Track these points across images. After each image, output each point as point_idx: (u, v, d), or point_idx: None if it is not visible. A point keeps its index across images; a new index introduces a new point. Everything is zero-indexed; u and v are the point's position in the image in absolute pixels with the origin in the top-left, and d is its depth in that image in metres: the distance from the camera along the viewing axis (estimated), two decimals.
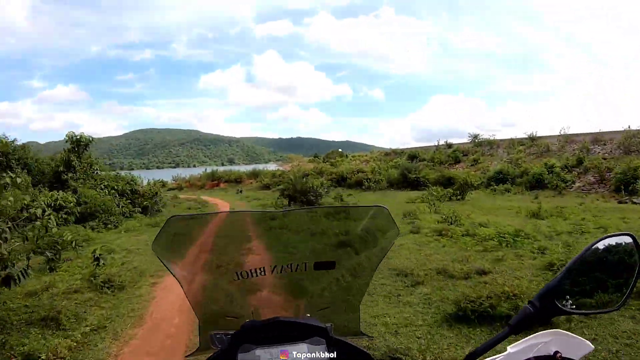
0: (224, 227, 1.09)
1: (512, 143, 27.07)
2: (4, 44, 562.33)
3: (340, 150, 45.12)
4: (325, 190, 15.99)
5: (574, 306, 0.82)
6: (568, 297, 0.81)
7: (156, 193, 15.56)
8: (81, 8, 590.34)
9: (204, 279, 1.02)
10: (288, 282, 1.00)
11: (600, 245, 0.83)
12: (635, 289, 0.83)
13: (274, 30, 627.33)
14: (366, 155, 39.08)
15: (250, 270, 0.96)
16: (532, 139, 26.13)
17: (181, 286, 0.94)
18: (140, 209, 14.00)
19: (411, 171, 23.76)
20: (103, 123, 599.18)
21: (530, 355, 0.78)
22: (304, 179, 15.63)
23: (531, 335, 0.79)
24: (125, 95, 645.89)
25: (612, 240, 0.84)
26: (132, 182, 15.24)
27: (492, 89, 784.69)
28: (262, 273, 0.96)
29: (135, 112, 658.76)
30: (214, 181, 35.21)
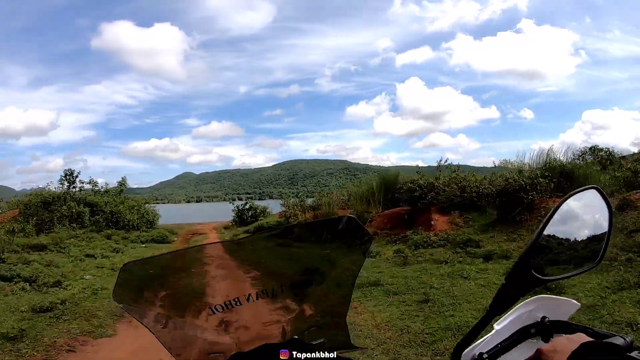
0: (187, 264, 1.00)
1: None
2: (162, 89, 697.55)
3: None
4: None
5: (552, 272, 0.79)
6: (543, 264, 0.77)
7: None
8: (228, 53, 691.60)
9: (176, 321, 0.94)
10: (267, 307, 0.96)
11: (568, 204, 0.78)
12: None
13: (414, 57, 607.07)
14: None
15: (225, 303, 0.91)
16: None
17: (153, 333, 0.88)
18: None
19: None
20: (254, 155, 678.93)
21: (519, 326, 0.78)
22: None
23: (515, 307, 0.77)
24: (275, 129, 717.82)
25: (579, 197, 0.80)
26: None
27: None
28: (238, 303, 0.91)
29: (285, 145, 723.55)
30: (394, 208, 10.12)
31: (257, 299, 0.91)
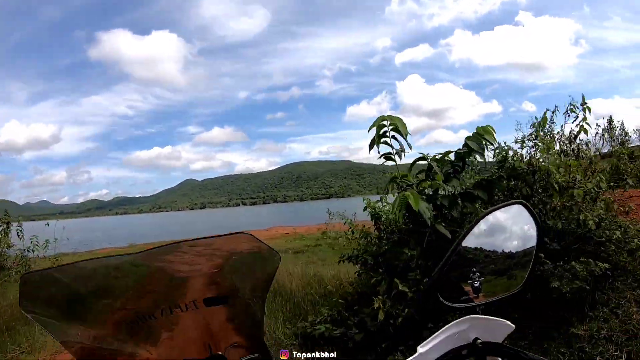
0: (93, 277, 0.90)
1: None
2: (162, 97, 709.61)
3: None
4: None
5: (467, 296, 0.71)
6: (456, 286, 0.71)
7: None
8: (225, 59, 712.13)
9: (88, 335, 0.89)
10: (184, 322, 0.93)
11: (489, 218, 0.71)
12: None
13: (414, 55, 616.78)
14: None
15: (138, 317, 0.88)
16: None
17: (63, 346, 0.85)
18: None
19: None
20: (257, 160, 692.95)
21: (450, 347, 0.71)
22: None
23: (445, 327, 0.71)
24: (276, 133, 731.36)
25: (503, 212, 0.72)
26: None
27: None
28: (152, 317, 0.88)
29: (287, 148, 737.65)
30: None
31: (171, 313, 0.89)
